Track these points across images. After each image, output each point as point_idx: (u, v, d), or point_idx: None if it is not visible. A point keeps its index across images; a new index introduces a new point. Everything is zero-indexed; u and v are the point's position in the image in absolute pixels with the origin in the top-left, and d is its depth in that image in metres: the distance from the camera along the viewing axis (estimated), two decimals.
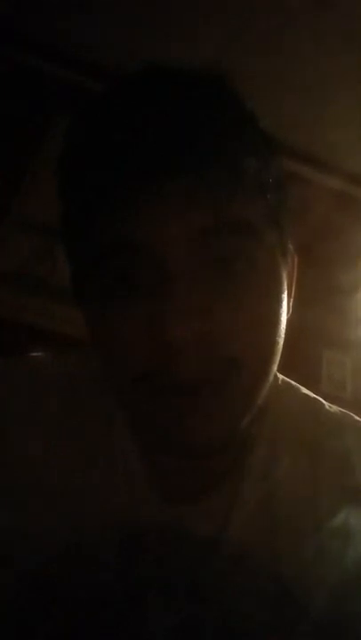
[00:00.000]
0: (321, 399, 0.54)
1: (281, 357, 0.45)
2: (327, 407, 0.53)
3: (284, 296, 0.44)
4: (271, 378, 0.44)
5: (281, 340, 0.43)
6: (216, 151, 0.38)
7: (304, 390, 0.55)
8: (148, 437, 0.47)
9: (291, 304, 0.48)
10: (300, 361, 1.14)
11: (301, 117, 1.65)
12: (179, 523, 0.47)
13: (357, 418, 0.53)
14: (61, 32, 1.52)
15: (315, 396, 0.55)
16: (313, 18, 1.36)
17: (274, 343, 0.42)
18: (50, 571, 0.47)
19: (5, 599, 0.47)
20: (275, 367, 0.44)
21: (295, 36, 1.43)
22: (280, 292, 0.43)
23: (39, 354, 0.58)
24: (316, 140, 1.75)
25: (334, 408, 0.54)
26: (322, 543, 0.46)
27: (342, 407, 0.55)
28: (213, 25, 1.41)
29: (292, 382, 0.55)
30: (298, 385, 0.55)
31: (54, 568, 0.47)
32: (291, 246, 0.47)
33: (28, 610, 0.47)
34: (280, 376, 0.54)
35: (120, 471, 0.49)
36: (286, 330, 0.45)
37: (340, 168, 1.81)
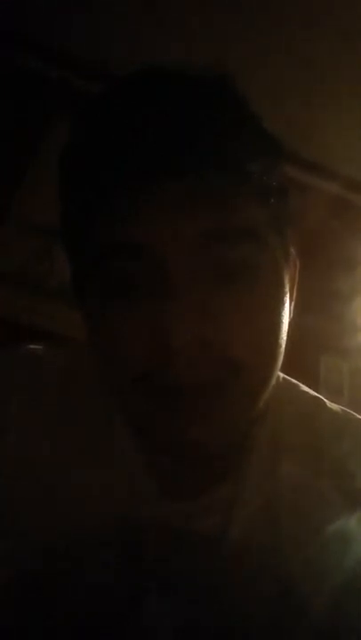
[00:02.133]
0: (322, 397, 0.54)
1: None
2: (328, 405, 0.53)
3: (286, 299, 0.44)
4: (273, 380, 0.44)
5: (283, 344, 0.43)
6: (217, 152, 0.37)
7: (304, 388, 0.55)
8: (147, 437, 0.47)
9: (292, 307, 0.47)
10: (298, 366, 1.14)
11: (301, 123, 1.66)
12: (179, 522, 0.47)
13: (358, 416, 0.53)
14: (61, 32, 1.53)
15: (315, 393, 0.55)
16: (314, 21, 1.36)
17: (276, 346, 0.42)
18: (49, 570, 0.47)
19: (5, 599, 0.46)
20: (277, 370, 0.44)
21: (296, 41, 1.43)
22: (282, 296, 0.43)
23: (38, 346, 0.57)
24: (315, 145, 1.76)
25: (335, 406, 0.53)
26: (323, 543, 0.46)
27: None
28: (214, 27, 1.41)
29: (293, 380, 0.55)
30: (298, 383, 0.55)
31: (54, 568, 0.47)
32: (293, 250, 0.47)
33: (27, 610, 0.46)
34: (281, 374, 0.54)
35: (120, 471, 0.48)
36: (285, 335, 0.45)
37: (340, 174, 1.82)
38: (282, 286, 0.43)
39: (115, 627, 0.46)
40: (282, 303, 0.43)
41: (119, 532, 0.47)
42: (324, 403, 0.54)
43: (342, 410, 0.53)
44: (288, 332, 0.45)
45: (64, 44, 1.56)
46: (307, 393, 0.55)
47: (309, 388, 0.56)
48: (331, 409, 0.53)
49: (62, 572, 0.46)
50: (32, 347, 0.57)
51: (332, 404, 0.54)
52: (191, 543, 0.47)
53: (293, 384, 0.55)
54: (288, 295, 0.45)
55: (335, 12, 1.33)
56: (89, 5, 1.42)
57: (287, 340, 0.45)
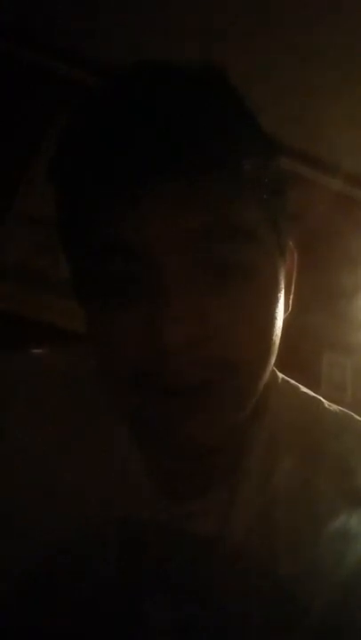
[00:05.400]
0: (320, 398, 0.54)
1: (281, 359, 0.45)
2: (327, 406, 0.53)
3: (281, 295, 0.44)
4: (268, 375, 0.44)
5: (278, 339, 0.43)
6: (212, 151, 0.37)
7: (303, 389, 0.55)
8: (146, 437, 0.47)
9: (290, 301, 0.47)
10: (301, 363, 1.14)
11: (302, 117, 1.65)
12: (178, 522, 0.47)
13: (357, 417, 0.53)
14: (62, 31, 1.52)
15: (314, 394, 0.55)
16: (315, 17, 1.35)
17: (270, 343, 0.42)
18: (50, 570, 0.47)
19: (5, 598, 0.47)
20: (271, 365, 0.44)
21: (296, 36, 1.43)
22: (277, 293, 0.43)
23: (40, 350, 0.58)
24: (317, 139, 1.75)
25: (334, 407, 0.54)
26: (322, 544, 0.46)
27: None
28: (214, 24, 1.41)
29: (292, 381, 0.55)
30: (297, 384, 0.55)
31: (54, 567, 0.47)
32: (290, 243, 0.47)
33: (28, 609, 0.47)
34: (280, 375, 0.54)
35: (120, 471, 0.48)
36: (287, 332, 0.45)
37: (342, 169, 1.81)
38: (277, 282, 0.43)
39: (115, 626, 0.46)
40: (277, 299, 0.43)
41: (119, 532, 0.47)
42: (323, 403, 0.54)
43: (341, 410, 0.53)
44: (291, 330, 0.45)
45: (64, 43, 1.55)
46: (306, 394, 0.55)
47: (312, 385, 0.56)
48: (329, 409, 0.53)
49: (63, 572, 0.47)
50: (33, 349, 0.57)
51: (331, 404, 0.54)
52: (191, 543, 0.47)
53: (293, 385, 0.55)
54: (284, 290, 0.45)
55: (336, 10, 1.32)
56: (89, 4, 1.42)
57: (291, 337, 0.45)
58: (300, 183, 1.60)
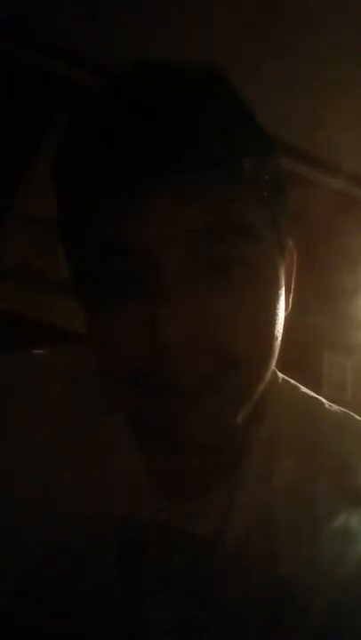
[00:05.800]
0: (321, 398, 0.54)
1: (282, 359, 0.45)
2: (327, 406, 0.53)
3: (282, 292, 0.44)
4: (269, 374, 0.44)
5: (279, 337, 0.43)
6: (212, 152, 0.37)
7: (304, 389, 0.55)
8: (145, 437, 0.47)
9: (290, 299, 0.47)
10: (302, 363, 1.14)
11: (302, 117, 1.65)
12: (178, 522, 0.47)
13: (358, 417, 0.53)
14: (62, 31, 1.52)
15: (314, 394, 0.55)
16: (314, 17, 1.36)
17: (272, 340, 0.42)
18: (50, 570, 0.47)
19: (5, 598, 0.47)
20: (273, 363, 0.44)
21: (296, 36, 1.43)
22: (277, 290, 0.43)
23: (40, 350, 0.58)
24: (317, 139, 1.75)
25: (334, 407, 0.54)
26: (322, 544, 0.46)
27: None
28: (214, 25, 1.41)
29: (292, 381, 0.55)
30: (297, 384, 0.55)
31: (54, 567, 0.47)
32: (290, 241, 0.47)
33: (28, 609, 0.47)
34: (280, 375, 0.54)
35: (120, 471, 0.48)
36: (288, 332, 0.45)
37: (342, 168, 1.81)
38: (277, 280, 0.43)
39: (114, 626, 0.46)
40: (277, 297, 0.43)
41: (119, 532, 0.47)
42: (323, 404, 0.54)
43: (341, 410, 0.53)
44: (291, 329, 0.45)
45: (64, 43, 1.55)
46: (306, 394, 0.55)
47: (313, 384, 0.56)
48: (330, 410, 0.53)
49: (63, 572, 0.47)
50: (33, 349, 0.57)
51: (332, 404, 0.54)
52: (191, 543, 0.47)
53: (293, 385, 0.55)
54: (284, 288, 0.45)
55: (336, 10, 1.32)
56: (90, 4, 1.42)
57: (291, 336, 0.45)
58: (300, 183, 1.60)
